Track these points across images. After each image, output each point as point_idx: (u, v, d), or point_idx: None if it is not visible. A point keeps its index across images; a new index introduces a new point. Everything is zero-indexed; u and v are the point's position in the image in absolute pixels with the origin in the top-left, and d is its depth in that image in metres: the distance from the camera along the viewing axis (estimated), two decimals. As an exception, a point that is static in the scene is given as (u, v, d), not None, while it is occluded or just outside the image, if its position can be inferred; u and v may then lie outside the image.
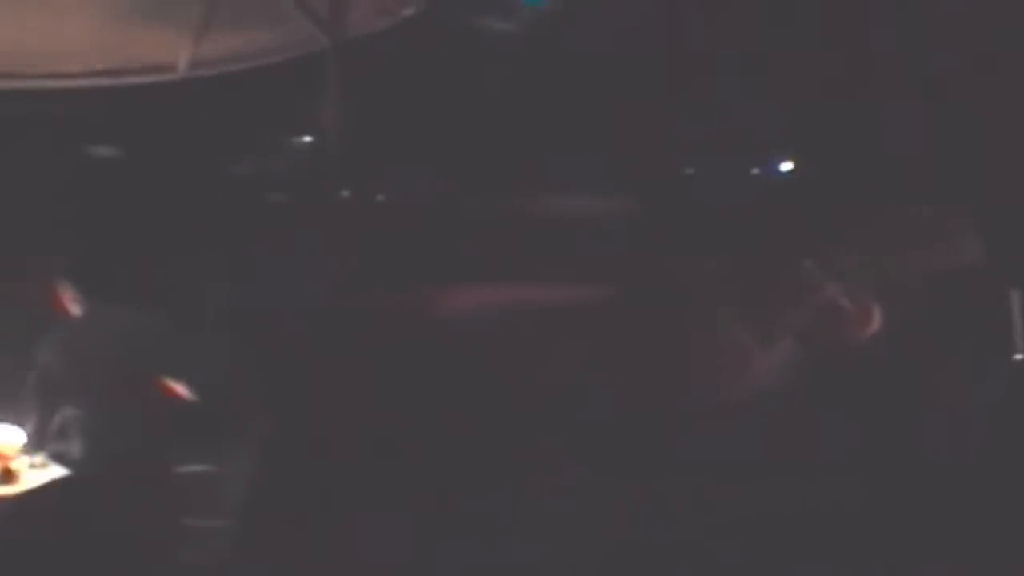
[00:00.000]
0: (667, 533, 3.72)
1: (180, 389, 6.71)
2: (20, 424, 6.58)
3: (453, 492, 3.27)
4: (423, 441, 3.47)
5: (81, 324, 6.63)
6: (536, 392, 4.70)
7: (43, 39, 6.22)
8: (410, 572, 2.84)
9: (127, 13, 6.18)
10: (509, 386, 4.68)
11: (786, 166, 8.72)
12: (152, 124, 8.71)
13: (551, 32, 8.22)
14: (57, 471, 6.48)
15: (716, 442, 4.12)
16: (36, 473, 6.37)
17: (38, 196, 8.61)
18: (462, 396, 4.42)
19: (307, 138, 9.09)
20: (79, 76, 6.76)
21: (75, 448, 6.55)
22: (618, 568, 3.57)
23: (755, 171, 8.77)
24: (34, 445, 6.49)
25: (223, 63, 6.95)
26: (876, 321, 4.39)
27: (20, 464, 6.36)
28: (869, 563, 3.46)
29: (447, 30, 7.73)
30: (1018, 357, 5.41)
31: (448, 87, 8.37)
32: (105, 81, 6.81)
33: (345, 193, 7.27)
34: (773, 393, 4.43)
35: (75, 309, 6.64)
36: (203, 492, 6.74)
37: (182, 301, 8.46)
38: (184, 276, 9.18)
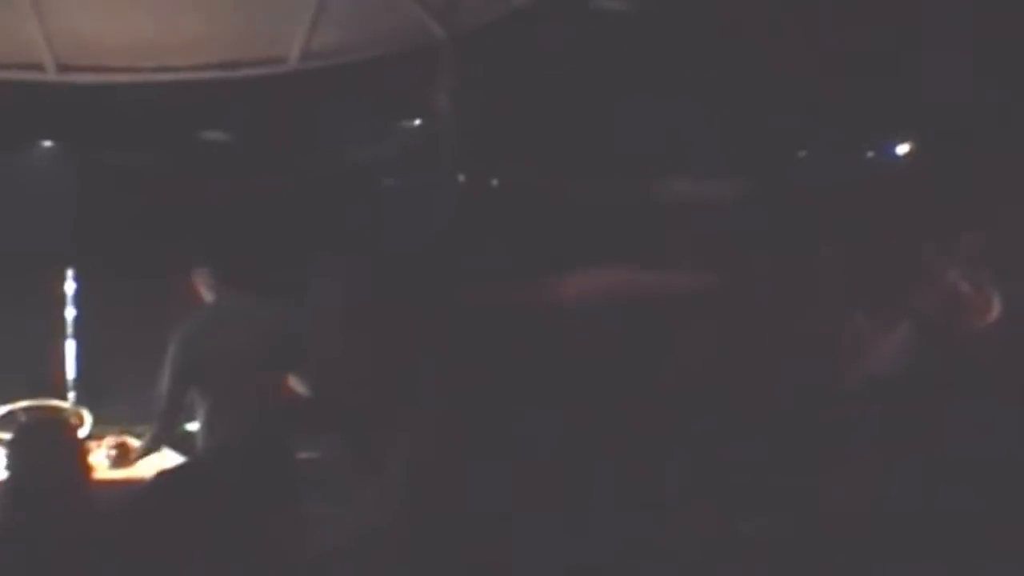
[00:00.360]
0: (785, 522, 3.69)
1: (299, 386, 6.76)
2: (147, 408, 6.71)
3: (578, 482, 3.27)
4: (548, 431, 3.46)
5: (212, 311, 6.69)
6: (655, 378, 4.68)
7: (157, 33, 6.31)
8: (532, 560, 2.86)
9: (239, 7, 6.27)
10: (630, 373, 4.66)
11: (902, 149, 8.59)
12: (270, 111, 8.81)
13: (668, 13, 8.15)
14: (171, 456, 6.60)
15: (835, 428, 4.08)
16: (151, 458, 6.50)
17: (163, 185, 8.77)
18: (584, 384, 4.41)
19: (418, 122, 9.14)
20: (192, 69, 6.83)
21: (199, 433, 6.65)
22: (738, 555, 3.55)
23: (871, 154, 8.65)
24: (161, 430, 6.60)
25: (334, 55, 6.97)
26: (997, 308, 4.33)
27: (135, 447, 6.49)
28: (985, 549, 3.42)
29: (564, 11, 7.71)
30: None
31: (564, 70, 8.35)
32: (217, 74, 6.87)
33: (460, 178, 7.30)
34: (892, 379, 4.37)
35: (208, 296, 6.70)
36: (325, 481, 6.83)
37: (307, 289, 8.60)
38: (305, 263, 9.32)
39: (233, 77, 6.91)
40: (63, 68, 6.61)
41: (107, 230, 8.61)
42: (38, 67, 6.60)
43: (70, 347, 8.21)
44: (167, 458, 6.61)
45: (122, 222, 8.59)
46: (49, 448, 4.72)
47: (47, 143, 8.83)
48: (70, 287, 8.43)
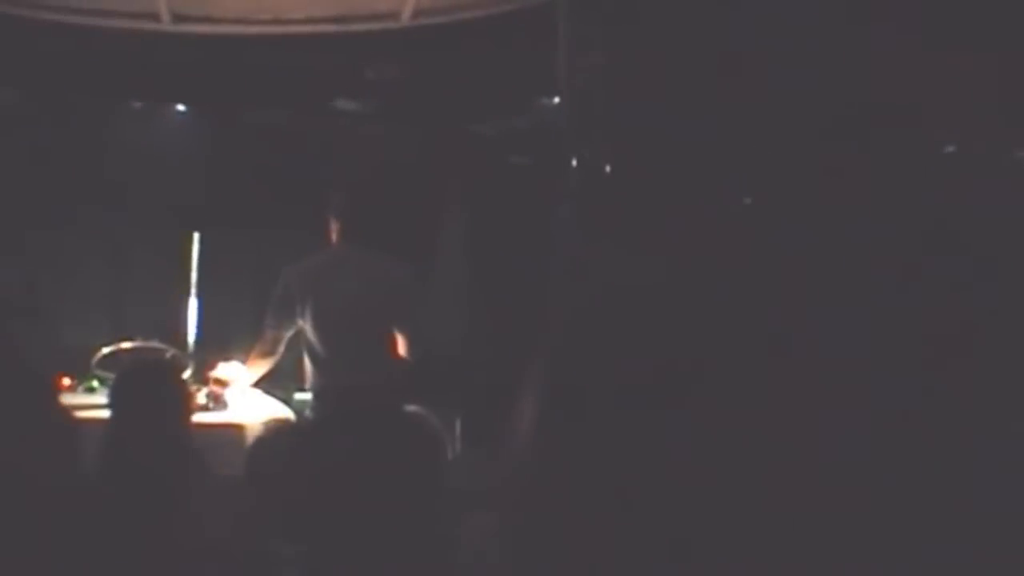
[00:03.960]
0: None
1: (402, 347, 7.23)
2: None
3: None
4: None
5: (327, 255, 7.24)
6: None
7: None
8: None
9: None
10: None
11: None
12: (406, 80, 9.34)
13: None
14: (268, 401, 7.19)
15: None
16: (244, 401, 7.11)
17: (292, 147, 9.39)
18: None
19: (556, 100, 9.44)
20: (302, 23, 7.37)
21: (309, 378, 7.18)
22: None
23: None
24: (258, 364, 7.19)
25: (446, 12, 7.41)
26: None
27: (231, 393, 7.09)
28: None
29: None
30: None
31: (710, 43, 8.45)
32: (328, 28, 7.38)
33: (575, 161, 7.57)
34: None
35: (336, 241, 7.25)
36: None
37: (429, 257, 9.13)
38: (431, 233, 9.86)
39: (343, 32, 7.41)
40: (178, 19, 7.21)
41: (237, 190, 9.30)
42: (154, 17, 7.20)
43: (193, 306, 8.86)
44: (263, 402, 7.24)
45: (252, 183, 9.26)
46: (154, 390, 5.25)
47: (180, 105, 9.55)
48: (196, 247, 9.11)
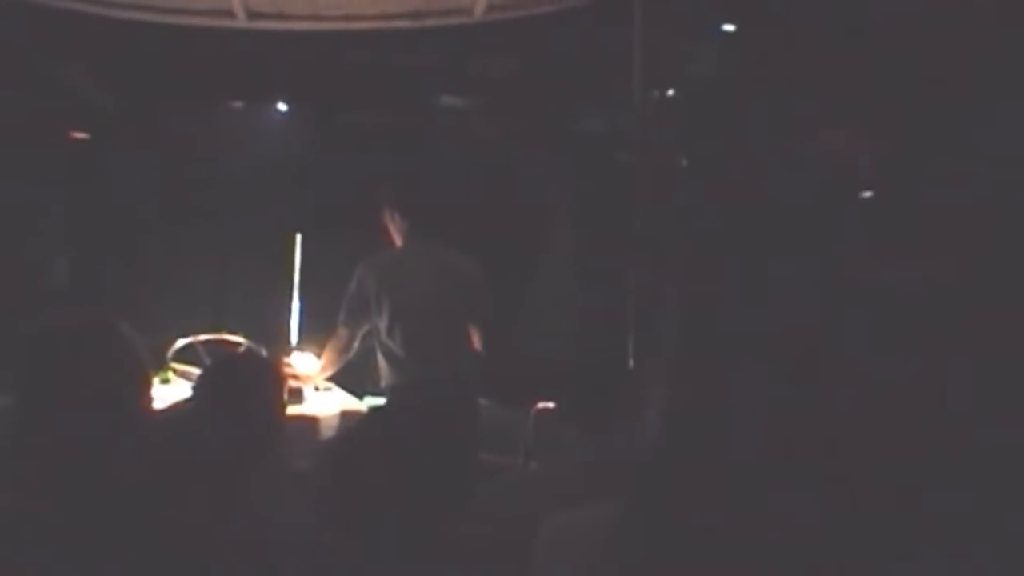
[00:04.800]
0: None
1: (477, 341, 7.26)
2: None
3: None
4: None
5: (400, 251, 7.31)
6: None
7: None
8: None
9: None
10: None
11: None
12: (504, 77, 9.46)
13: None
14: (342, 396, 7.30)
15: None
16: (319, 396, 7.22)
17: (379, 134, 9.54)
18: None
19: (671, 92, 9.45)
20: (375, 19, 7.48)
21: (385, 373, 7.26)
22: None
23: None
24: (332, 362, 7.29)
25: (520, 6, 7.46)
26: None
27: (308, 387, 7.22)
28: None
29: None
30: None
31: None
32: (401, 24, 7.47)
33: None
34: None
35: (398, 239, 7.32)
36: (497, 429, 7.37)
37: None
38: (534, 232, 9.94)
39: (416, 28, 7.50)
40: (252, 15, 7.37)
41: (338, 191, 9.48)
42: (228, 14, 7.38)
43: (295, 305, 9.08)
44: (338, 395, 7.36)
45: (354, 182, 9.43)
46: (253, 383, 5.36)
47: (282, 105, 9.78)
48: (298, 248, 9.34)
